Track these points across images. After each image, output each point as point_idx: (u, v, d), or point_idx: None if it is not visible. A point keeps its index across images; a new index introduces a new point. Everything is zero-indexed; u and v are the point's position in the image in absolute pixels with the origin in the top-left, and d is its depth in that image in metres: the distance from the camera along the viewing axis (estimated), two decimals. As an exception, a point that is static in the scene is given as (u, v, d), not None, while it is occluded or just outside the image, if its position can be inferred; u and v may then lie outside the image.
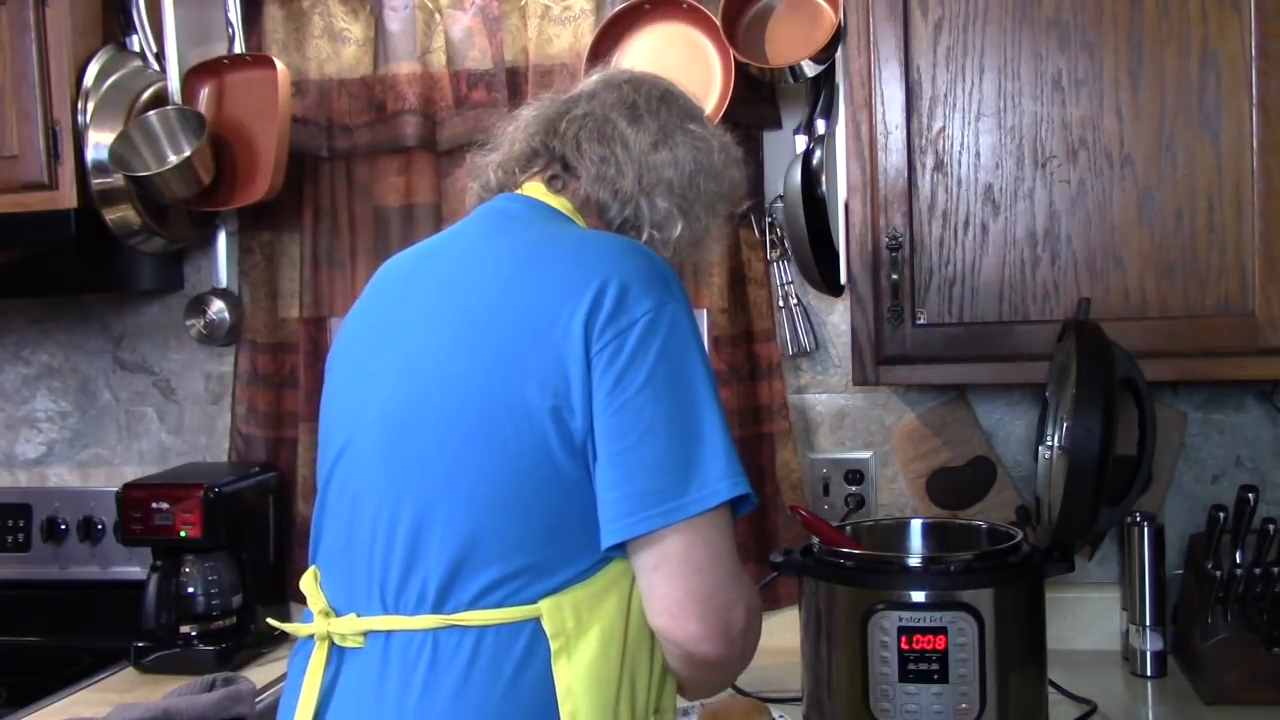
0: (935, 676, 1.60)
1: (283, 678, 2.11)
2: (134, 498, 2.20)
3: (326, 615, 1.31)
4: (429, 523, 1.24)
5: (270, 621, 1.46)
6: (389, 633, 1.25)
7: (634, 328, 1.20)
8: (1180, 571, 2.08)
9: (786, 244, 2.19)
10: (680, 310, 1.23)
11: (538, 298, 1.24)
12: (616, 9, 2.16)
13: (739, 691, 1.92)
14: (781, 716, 1.81)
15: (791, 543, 2.04)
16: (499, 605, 1.22)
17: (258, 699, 1.92)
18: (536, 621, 1.21)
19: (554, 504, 1.21)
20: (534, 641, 1.21)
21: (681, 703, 1.86)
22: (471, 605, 1.22)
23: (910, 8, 1.84)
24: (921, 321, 1.86)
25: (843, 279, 1.98)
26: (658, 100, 1.45)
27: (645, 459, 1.18)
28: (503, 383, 1.21)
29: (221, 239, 2.43)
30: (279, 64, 2.26)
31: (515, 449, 1.21)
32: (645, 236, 1.40)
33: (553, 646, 1.21)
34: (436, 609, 1.23)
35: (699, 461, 1.19)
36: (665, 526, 1.18)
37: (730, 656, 1.25)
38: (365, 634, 1.27)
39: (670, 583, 1.20)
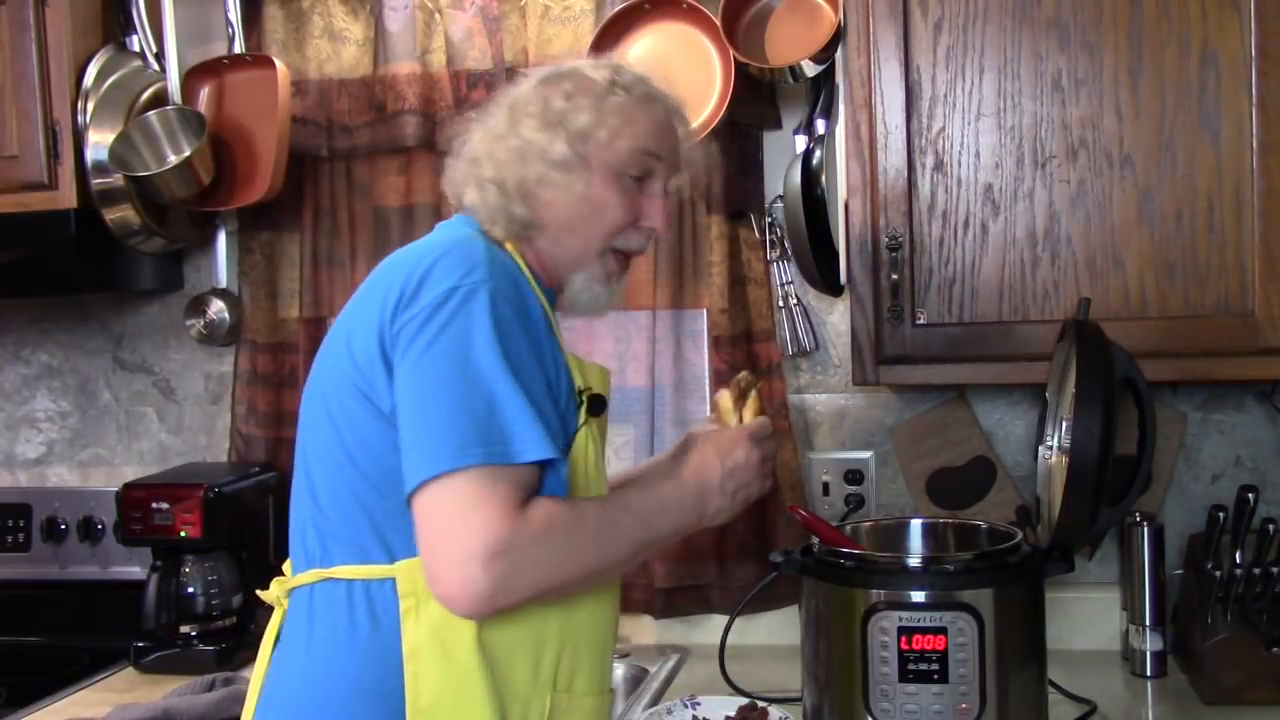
0: (935, 676, 1.60)
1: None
2: (134, 498, 2.21)
3: (280, 583, 1.47)
4: (310, 491, 1.40)
5: (257, 591, 1.57)
6: (293, 589, 1.42)
7: (428, 305, 1.29)
8: (1180, 571, 2.08)
9: (786, 244, 2.19)
10: (481, 291, 1.29)
11: (374, 290, 1.37)
12: (616, 9, 2.16)
13: (740, 691, 1.92)
14: (784, 717, 1.82)
15: (791, 543, 2.03)
16: (365, 563, 1.34)
17: (258, 699, 1.92)
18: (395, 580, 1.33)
19: (399, 475, 1.28)
20: (395, 597, 1.33)
21: (669, 702, 1.87)
22: (343, 562, 1.36)
23: (910, 8, 1.84)
24: (921, 321, 1.86)
25: (843, 279, 1.98)
26: (532, 90, 1.48)
27: (419, 423, 1.26)
28: (348, 365, 1.35)
29: (221, 239, 2.44)
30: (279, 64, 2.26)
31: (360, 425, 1.33)
32: (502, 228, 1.45)
33: (402, 606, 1.32)
34: (320, 565, 1.38)
35: (461, 427, 1.24)
36: (422, 484, 1.23)
37: (493, 607, 1.24)
38: (288, 593, 1.44)
39: (425, 549, 1.25)
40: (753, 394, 1.56)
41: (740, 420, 1.53)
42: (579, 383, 1.39)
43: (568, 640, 1.37)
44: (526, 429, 1.26)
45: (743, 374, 1.59)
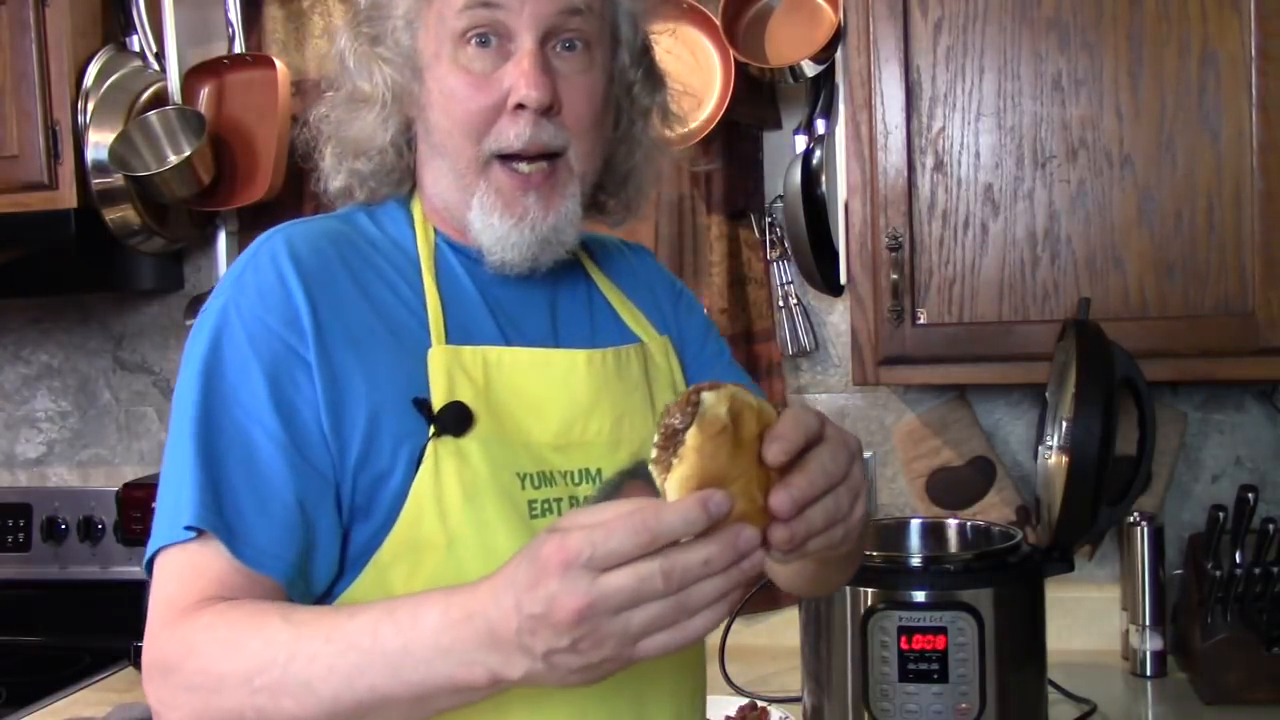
0: (935, 676, 1.60)
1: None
2: (134, 497, 2.21)
3: None
4: None
5: None
6: None
7: None
8: (1180, 571, 2.08)
9: (786, 244, 2.19)
10: (208, 319, 1.04)
11: None
12: (616, 9, 2.16)
13: (740, 691, 1.92)
14: (784, 717, 1.82)
15: (791, 543, 2.03)
16: None
17: (258, 699, 1.92)
18: None
19: None
20: None
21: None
22: None
23: (910, 8, 1.84)
24: (921, 321, 1.86)
25: (843, 279, 1.98)
26: None
27: None
28: None
29: (221, 239, 2.43)
30: (279, 64, 2.26)
31: None
32: (367, 193, 1.19)
33: None
34: None
35: (161, 499, 1.01)
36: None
37: None
38: None
39: None
40: (690, 438, 0.82)
41: (663, 491, 0.83)
42: (436, 391, 1.04)
43: None
44: (190, 497, 0.97)
45: (673, 402, 0.84)
